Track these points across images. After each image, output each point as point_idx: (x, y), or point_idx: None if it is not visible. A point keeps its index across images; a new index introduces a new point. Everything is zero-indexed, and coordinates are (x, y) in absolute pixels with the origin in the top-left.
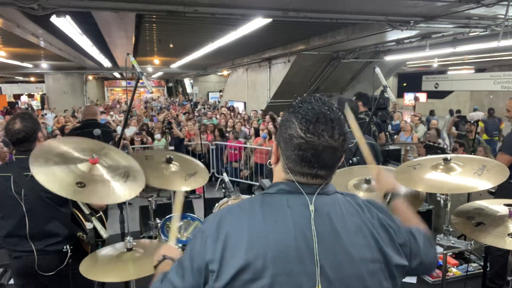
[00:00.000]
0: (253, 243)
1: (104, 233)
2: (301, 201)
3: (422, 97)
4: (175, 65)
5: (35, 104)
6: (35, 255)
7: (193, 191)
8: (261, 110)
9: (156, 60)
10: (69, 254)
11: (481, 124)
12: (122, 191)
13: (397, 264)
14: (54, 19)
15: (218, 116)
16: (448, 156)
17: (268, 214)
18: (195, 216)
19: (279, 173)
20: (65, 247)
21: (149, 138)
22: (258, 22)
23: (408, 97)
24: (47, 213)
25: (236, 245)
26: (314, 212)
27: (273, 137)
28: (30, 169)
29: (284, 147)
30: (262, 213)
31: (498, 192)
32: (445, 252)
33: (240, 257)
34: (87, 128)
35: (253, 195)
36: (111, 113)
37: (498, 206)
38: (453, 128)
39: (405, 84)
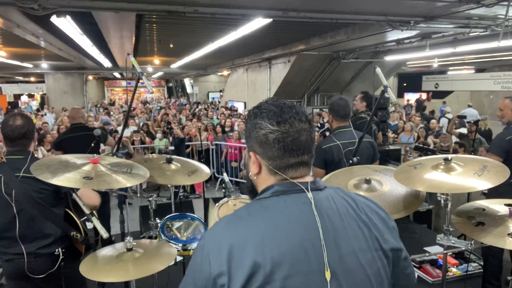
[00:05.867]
0: (259, 249)
1: (104, 233)
2: (299, 199)
3: (422, 97)
4: (175, 65)
5: (35, 104)
6: (25, 258)
7: (193, 191)
8: None
9: (156, 60)
10: (61, 257)
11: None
12: (129, 179)
13: (393, 248)
14: (54, 19)
15: (219, 116)
16: (449, 156)
17: (269, 218)
18: (195, 216)
19: (266, 179)
20: (57, 250)
21: (147, 138)
22: (258, 22)
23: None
24: (39, 214)
25: (242, 254)
26: (315, 208)
27: (244, 150)
28: (21, 169)
29: (263, 150)
30: (263, 218)
31: (490, 192)
32: (445, 252)
33: (248, 265)
34: (76, 132)
35: (247, 203)
36: (111, 113)
37: (498, 206)
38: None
39: (405, 84)
